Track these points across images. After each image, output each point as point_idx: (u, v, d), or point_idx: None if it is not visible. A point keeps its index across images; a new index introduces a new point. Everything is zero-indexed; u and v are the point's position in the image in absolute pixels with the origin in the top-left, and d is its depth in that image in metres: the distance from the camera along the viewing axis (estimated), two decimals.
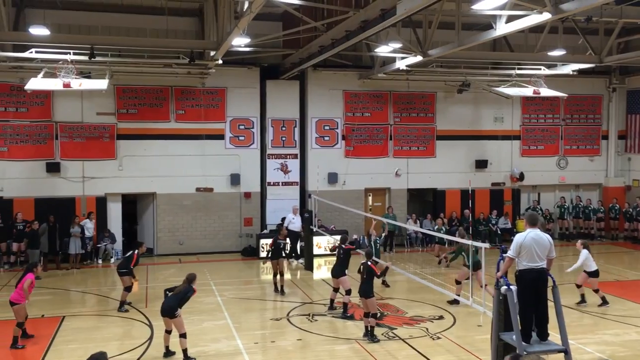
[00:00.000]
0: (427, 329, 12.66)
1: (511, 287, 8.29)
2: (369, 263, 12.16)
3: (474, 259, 13.41)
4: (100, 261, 20.17)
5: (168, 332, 10.97)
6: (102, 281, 18.36)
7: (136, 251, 14.55)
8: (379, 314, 12.75)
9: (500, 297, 8.38)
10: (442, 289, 14.18)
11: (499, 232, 23.20)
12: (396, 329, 12.64)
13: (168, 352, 10.98)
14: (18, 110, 20.07)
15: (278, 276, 15.80)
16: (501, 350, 8.49)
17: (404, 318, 13.49)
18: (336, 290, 14.11)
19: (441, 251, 19.63)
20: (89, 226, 19.80)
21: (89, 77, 18.23)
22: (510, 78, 21.45)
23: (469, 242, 12.35)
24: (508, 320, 8.31)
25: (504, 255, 8.55)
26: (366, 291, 11.86)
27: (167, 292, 11.18)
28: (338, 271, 13.96)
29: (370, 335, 11.82)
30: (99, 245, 20.24)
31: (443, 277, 16.63)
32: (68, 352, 11.15)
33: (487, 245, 11.30)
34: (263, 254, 20.44)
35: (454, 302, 14.12)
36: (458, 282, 14.25)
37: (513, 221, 23.80)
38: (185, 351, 10.72)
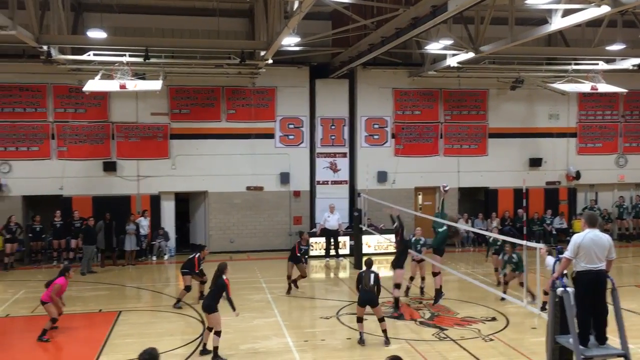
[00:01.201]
0: (479, 330, 12.45)
1: (567, 288, 8.04)
2: (377, 273, 11.91)
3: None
4: (154, 258, 20.69)
5: (209, 329, 10.93)
6: (157, 277, 18.83)
7: (197, 254, 14.59)
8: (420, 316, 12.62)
9: (557, 299, 8.15)
10: (494, 289, 13.87)
11: (554, 232, 22.59)
12: (447, 329, 12.48)
13: (205, 350, 10.93)
14: (77, 111, 20.78)
15: (296, 277, 15.58)
16: (557, 353, 8.25)
17: (455, 319, 13.30)
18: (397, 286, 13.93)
19: (498, 264, 17.95)
20: (144, 224, 20.37)
21: (143, 78, 18.75)
22: (566, 74, 20.84)
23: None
24: (564, 322, 8.06)
25: (560, 256, 8.32)
26: (373, 300, 11.63)
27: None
28: (395, 263, 14.10)
29: (387, 338, 11.56)
30: (153, 243, 20.76)
31: (494, 278, 16.27)
32: (124, 347, 11.44)
33: (542, 245, 10.98)
34: (313, 253, 20.49)
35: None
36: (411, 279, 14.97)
37: (569, 221, 23.14)
38: (215, 349, 10.64)
